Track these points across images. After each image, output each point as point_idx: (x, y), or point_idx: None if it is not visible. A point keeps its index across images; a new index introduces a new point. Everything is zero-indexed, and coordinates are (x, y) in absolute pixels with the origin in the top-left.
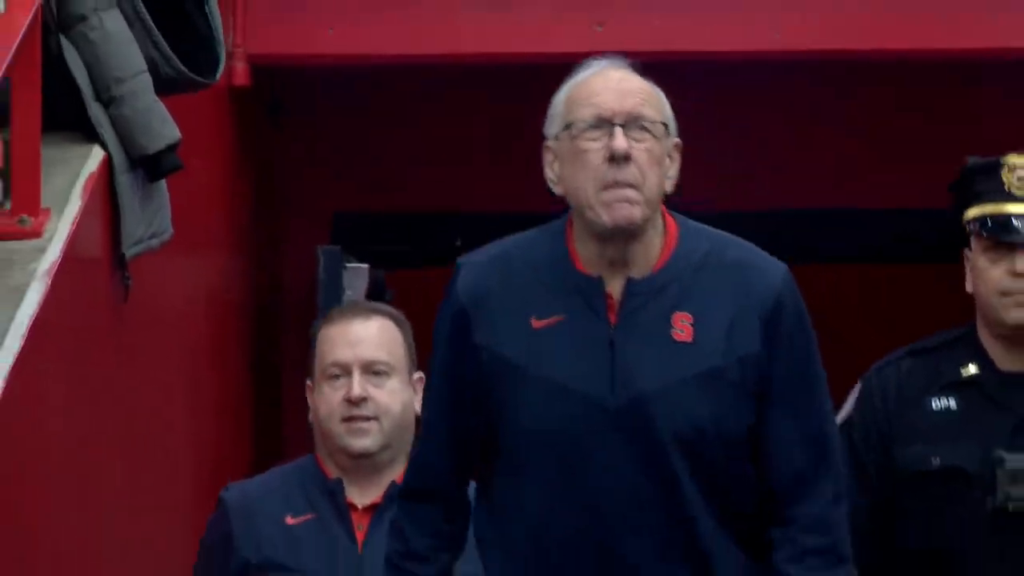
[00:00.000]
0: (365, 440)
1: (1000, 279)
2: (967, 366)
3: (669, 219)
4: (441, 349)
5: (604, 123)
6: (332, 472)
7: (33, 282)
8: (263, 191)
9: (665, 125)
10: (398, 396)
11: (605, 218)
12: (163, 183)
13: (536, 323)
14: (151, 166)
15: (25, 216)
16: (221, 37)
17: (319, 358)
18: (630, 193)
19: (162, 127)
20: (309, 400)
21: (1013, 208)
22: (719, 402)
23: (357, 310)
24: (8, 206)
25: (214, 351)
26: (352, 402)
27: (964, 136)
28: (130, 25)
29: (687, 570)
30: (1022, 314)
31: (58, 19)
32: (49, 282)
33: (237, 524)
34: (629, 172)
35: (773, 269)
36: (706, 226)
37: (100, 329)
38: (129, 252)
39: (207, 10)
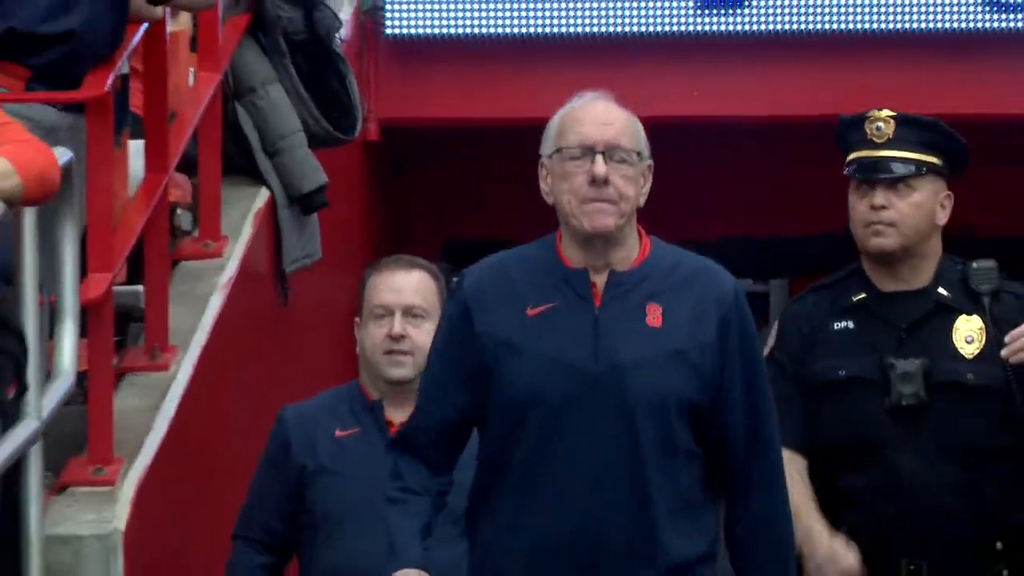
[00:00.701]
0: (402, 370)
1: (864, 212)
2: (858, 293)
3: (643, 234)
4: (441, 338)
5: (588, 151)
6: (373, 395)
7: (215, 292)
8: (388, 222)
9: (639, 153)
10: (430, 336)
11: (586, 224)
12: (314, 216)
13: (531, 311)
14: (304, 203)
15: (209, 241)
16: (358, 104)
17: (367, 300)
18: (607, 206)
19: (313, 173)
20: (356, 334)
21: (874, 153)
22: (681, 377)
23: (401, 262)
24: (196, 233)
25: (351, 346)
26: (393, 338)
27: None
28: (289, 95)
29: (639, 526)
30: (880, 241)
31: (234, 90)
32: (227, 292)
33: (295, 436)
34: (607, 191)
35: (728, 278)
36: (668, 246)
37: (266, 328)
38: (288, 269)
39: (347, 84)
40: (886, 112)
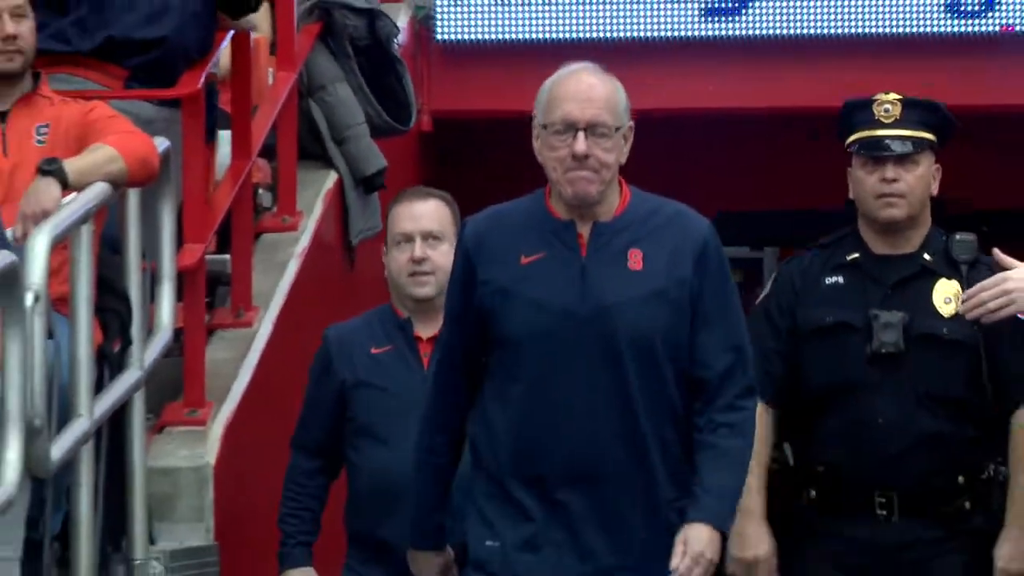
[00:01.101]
0: (426, 288)
1: (875, 185)
2: (851, 253)
3: (624, 184)
4: (454, 285)
5: (570, 127)
6: (402, 314)
7: (291, 260)
8: None
9: (618, 127)
10: (448, 257)
11: (570, 191)
12: (375, 195)
13: (524, 260)
14: (367, 184)
15: (286, 216)
16: (413, 100)
17: (390, 229)
18: (589, 174)
19: (375, 158)
20: (384, 261)
21: (881, 132)
22: (662, 314)
23: (418, 193)
24: (275, 210)
25: None
26: (415, 261)
27: None
28: (354, 92)
29: (627, 447)
30: (892, 211)
31: (308, 88)
32: (302, 260)
33: (335, 354)
34: (589, 163)
35: (702, 221)
36: (649, 193)
37: (335, 291)
38: (354, 240)
39: (404, 82)
40: (893, 95)
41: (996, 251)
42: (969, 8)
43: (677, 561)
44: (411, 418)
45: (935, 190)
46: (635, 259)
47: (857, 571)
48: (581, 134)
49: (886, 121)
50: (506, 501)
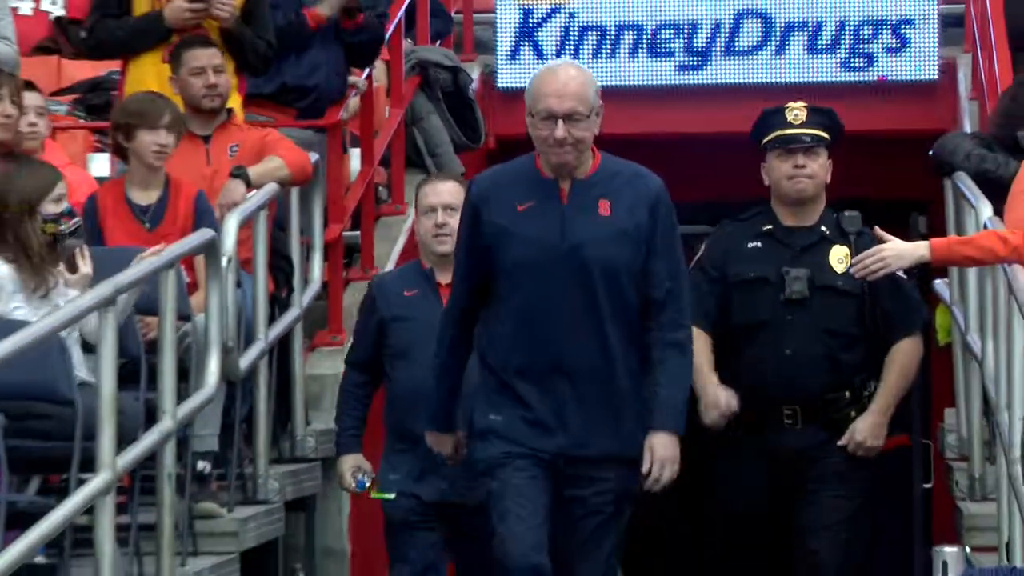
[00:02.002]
0: (445, 246)
1: (789, 170)
2: (766, 224)
3: (595, 150)
4: (464, 230)
5: (551, 116)
6: (427, 265)
7: (401, 235)
8: None
9: (588, 113)
10: None
11: (553, 160)
12: None
13: (519, 207)
14: None
15: (397, 205)
16: (483, 127)
17: (420, 203)
18: (566, 149)
19: (456, 166)
20: (415, 227)
21: (792, 131)
22: (624, 249)
23: (440, 176)
24: (390, 201)
25: None
26: (438, 226)
27: None
28: (442, 122)
29: (596, 348)
30: (802, 189)
31: (411, 118)
32: (407, 235)
33: (377, 295)
34: (566, 145)
35: (655, 180)
36: (615, 156)
37: None
38: None
39: (476, 116)
40: (800, 104)
41: (876, 228)
42: (856, 64)
43: (648, 466)
44: (428, 342)
45: (828, 178)
46: (604, 207)
47: (771, 469)
48: (560, 122)
49: (795, 123)
50: (505, 389)
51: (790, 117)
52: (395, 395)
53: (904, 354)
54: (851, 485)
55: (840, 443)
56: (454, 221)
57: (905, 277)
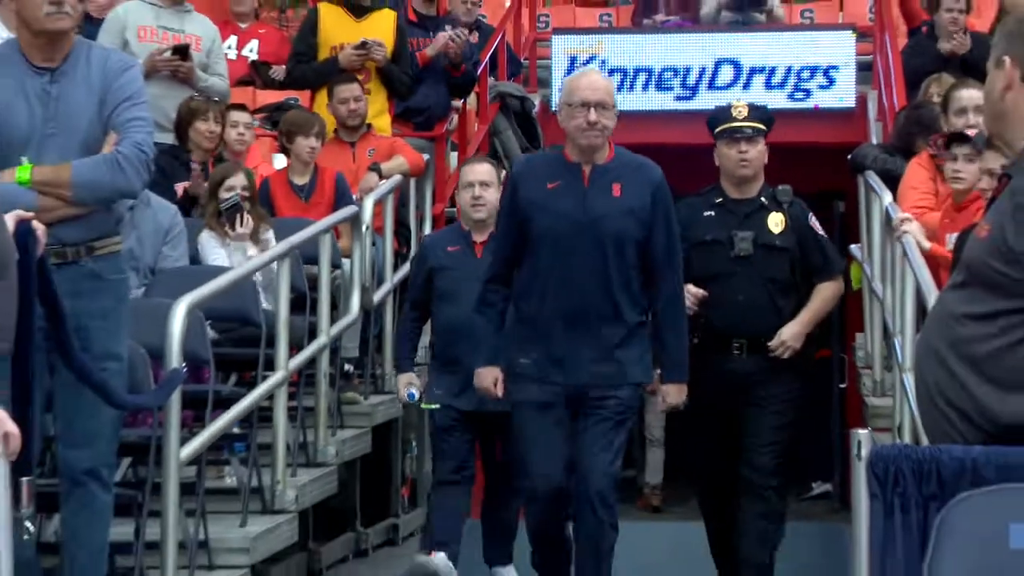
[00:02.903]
0: (480, 213)
1: (735, 155)
2: (718, 198)
3: (611, 144)
4: (505, 203)
5: (585, 105)
6: (466, 228)
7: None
8: None
9: (613, 105)
10: (493, 195)
11: (584, 142)
12: None
13: (549, 186)
14: None
15: None
16: (541, 137)
17: (461, 179)
18: (596, 133)
19: None
20: (456, 197)
21: (737, 124)
22: (631, 223)
23: (477, 158)
24: None
25: None
26: (475, 197)
27: None
28: (514, 135)
29: (606, 299)
30: (744, 171)
31: (493, 131)
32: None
33: (427, 250)
34: (597, 127)
35: (657, 169)
36: (627, 151)
37: None
38: None
39: (537, 131)
40: (743, 103)
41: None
42: (798, 96)
43: (662, 407)
44: (466, 286)
45: (765, 160)
46: (616, 189)
47: (726, 387)
48: (592, 110)
49: (739, 117)
50: (534, 334)
51: (735, 113)
52: (440, 329)
53: (825, 289)
54: (787, 402)
55: (770, 344)
56: (487, 194)
57: (825, 236)
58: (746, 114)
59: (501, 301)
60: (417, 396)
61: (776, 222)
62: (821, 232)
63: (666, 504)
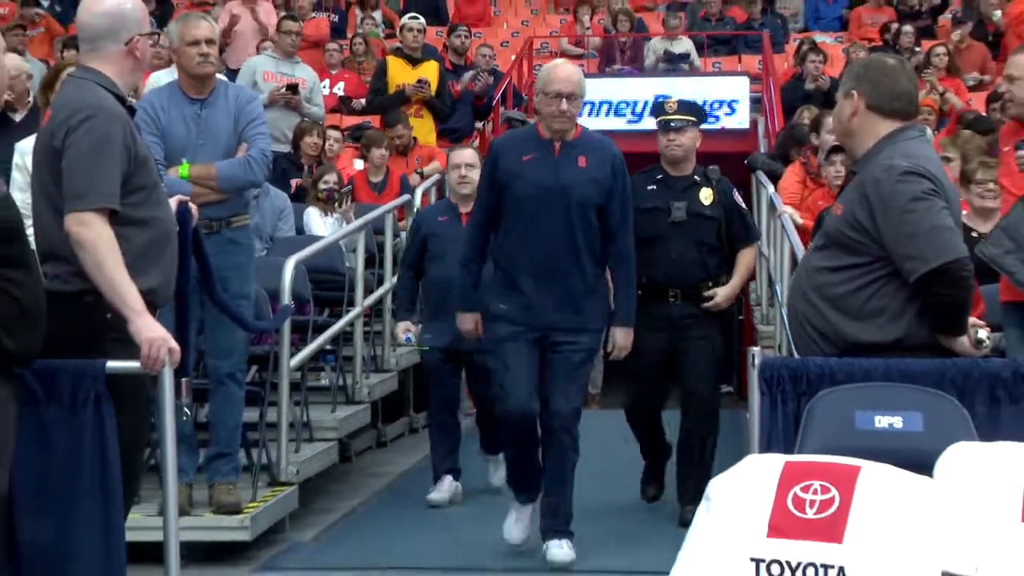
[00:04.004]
0: (466, 189)
1: (666, 141)
2: (658, 175)
3: (578, 124)
4: (485, 174)
5: (557, 95)
6: (454, 201)
7: None
8: None
9: (581, 95)
10: (477, 176)
11: (555, 126)
12: None
13: (524, 158)
14: None
15: None
16: None
17: (450, 162)
18: (565, 120)
19: None
20: (447, 176)
21: (669, 116)
22: (594, 190)
23: (461, 146)
24: None
25: None
26: (462, 176)
27: None
28: None
29: (571, 255)
30: (675, 153)
31: None
32: None
33: (421, 221)
34: (566, 115)
35: (615, 147)
36: (590, 131)
37: None
38: None
39: None
40: (674, 99)
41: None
42: (711, 121)
43: (611, 347)
44: (452, 248)
45: (696, 144)
46: (582, 161)
47: (664, 329)
48: (564, 100)
49: (670, 112)
50: (510, 284)
51: (667, 108)
52: (431, 285)
53: (747, 256)
54: (713, 341)
55: (705, 306)
56: (471, 174)
57: (746, 208)
58: (675, 109)
59: (478, 262)
60: (413, 340)
61: (706, 195)
62: (743, 205)
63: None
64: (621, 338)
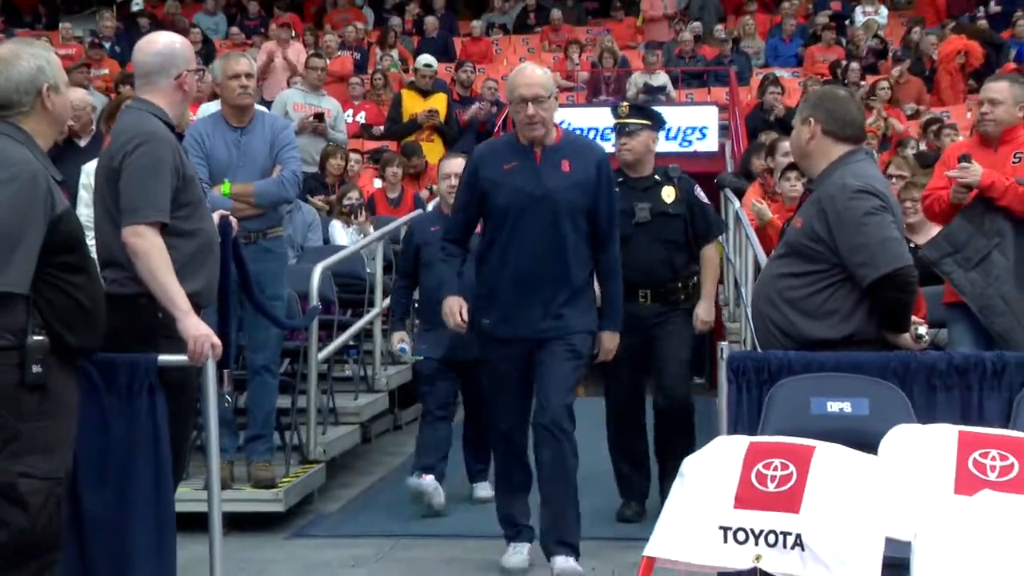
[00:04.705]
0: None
1: (619, 145)
2: (620, 178)
3: (558, 127)
4: (465, 180)
5: (524, 100)
6: (445, 211)
7: None
8: None
9: (549, 96)
10: None
11: (527, 134)
12: None
13: (505, 167)
14: None
15: None
16: None
17: (440, 171)
18: (536, 125)
19: None
20: (437, 184)
21: (622, 120)
22: (579, 196)
23: (452, 155)
24: None
25: None
26: (452, 185)
27: None
28: None
29: (558, 262)
30: (625, 157)
31: None
32: None
33: (414, 229)
34: (536, 120)
35: (601, 148)
36: (572, 133)
37: None
38: None
39: None
40: (626, 103)
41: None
42: (684, 144)
43: (598, 350)
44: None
45: (655, 147)
46: (565, 165)
47: (635, 330)
48: (530, 104)
49: (623, 115)
50: (495, 296)
51: (620, 112)
52: (423, 293)
53: (710, 259)
54: (682, 339)
55: (696, 327)
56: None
57: (709, 204)
58: (627, 113)
59: (459, 255)
60: (408, 349)
61: (668, 194)
62: (705, 200)
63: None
64: (608, 341)
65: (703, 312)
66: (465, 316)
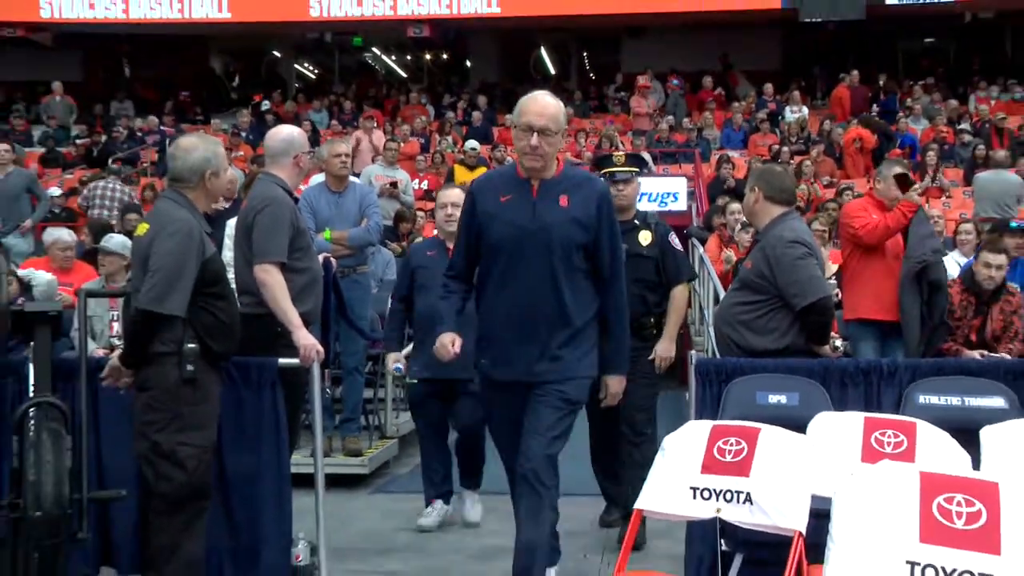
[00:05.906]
0: (452, 227)
1: (614, 191)
2: None
3: (560, 160)
4: (464, 215)
5: (529, 129)
6: (442, 238)
7: None
8: None
9: (556, 132)
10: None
11: (526, 164)
12: None
13: (502, 199)
14: None
15: None
16: None
17: (438, 201)
18: (536, 157)
19: None
20: (436, 215)
21: (616, 168)
22: (577, 232)
23: (449, 186)
24: None
25: None
26: (449, 215)
27: None
28: None
29: (554, 301)
30: (620, 202)
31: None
32: None
33: (413, 256)
34: (537, 152)
35: (601, 183)
36: (574, 167)
37: None
38: None
39: None
40: (621, 152)
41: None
42: (664, 204)
43: (603, 394)
44: (439, 281)
45: (638, 194)
46: (563, 200)
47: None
48: (535, 134)
49: (618, 163)
50: (491, 336)
51: (615, 160)
52: (418, 315)
53: (678, 299)
54: (651, 374)
55: (650, 358)
56: (456, 213)
57: (681, 250)
58: (623, 161)
59: (460, 291)
60: (403, 371)
61: (645, 237)
62: (678, 247)
63: None
64: (614, 385)
65: (662, 349)
66: (458, 348)
